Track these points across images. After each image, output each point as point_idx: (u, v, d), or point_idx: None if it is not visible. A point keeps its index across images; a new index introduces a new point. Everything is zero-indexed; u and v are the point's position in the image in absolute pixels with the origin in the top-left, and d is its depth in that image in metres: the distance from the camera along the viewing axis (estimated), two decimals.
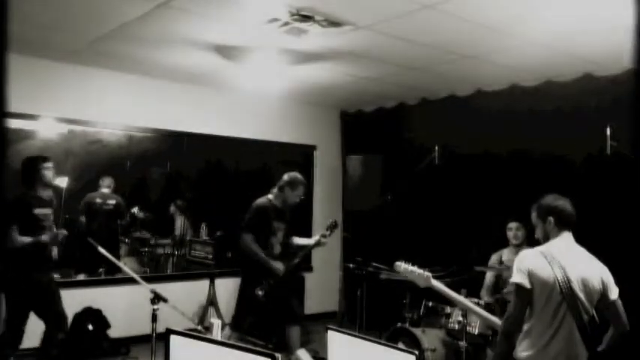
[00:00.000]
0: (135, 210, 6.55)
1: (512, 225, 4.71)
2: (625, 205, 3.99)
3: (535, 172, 5.10)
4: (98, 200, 6.00)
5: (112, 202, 6.04)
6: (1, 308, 3.92)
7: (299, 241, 4.78)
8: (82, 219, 5.91)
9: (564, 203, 2.71)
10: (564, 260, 2.59)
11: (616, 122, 4.44)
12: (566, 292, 2.53)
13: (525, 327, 2.67)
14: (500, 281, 4.78)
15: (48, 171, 4.23)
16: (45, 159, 4.28)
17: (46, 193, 4.27)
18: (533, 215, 2.80)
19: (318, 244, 4.65)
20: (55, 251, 4.31)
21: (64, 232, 4.26)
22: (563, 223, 2.68)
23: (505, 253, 4.80)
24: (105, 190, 6.05)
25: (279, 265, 4.39)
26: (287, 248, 4.66)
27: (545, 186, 4.74)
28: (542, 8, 3.56)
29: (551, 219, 2.69)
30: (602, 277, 2.61)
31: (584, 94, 4.81)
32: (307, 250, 4.75)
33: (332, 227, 4.66)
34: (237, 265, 5.12)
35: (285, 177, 4.57)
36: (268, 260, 4.36)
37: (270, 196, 4.56)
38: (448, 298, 2.91)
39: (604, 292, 2.61)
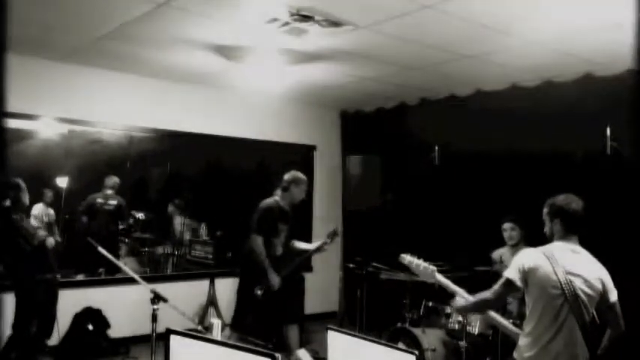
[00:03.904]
0: (139, 215, 6.55)
1: (507, 226, 4.70)
2: (625, 206, 3.99)
3: (535, 172, 5.09)
4: (100, 201, 5.98)
5: (114, 202, 6.02)
6: (4, 311, 3.94)
7: (300, 245, 4.82)
8: (84, 219, 5.91)
9: (576, 207, 2.68)
10: (566, 261, 2.60)
11: (616, 122, 4.43)
12: (568, 293, 2.53)
13: (527, 327, 2.67)
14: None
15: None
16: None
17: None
18: (544, 211, 2.79)
19: (318, 250, 4.74)
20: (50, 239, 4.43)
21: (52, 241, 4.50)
22: (570, 226, 2.68)
23: (504, 253, 4.80)
24: (108, 192, 6.02)
25: (276, 279, 4.43)
26: (288, 249, 4.69)
27: (545, 186, 4.76)
28: (542, 8, 3.55)
29: (558, 221, 2.69)
30: (602, 279, 2.62)
31: (584, 94, 4.80)
32: (307, 256, 4.80)
33: (332, 235, 4.73)
34: (237, 264, 5.11)
35: (287, 176, 4.66)
36: (270, 268, 4.41)
37: (276, 197, 4.63)
38: (452, 293, 2.88)
39: (604, 294, 2.62)
